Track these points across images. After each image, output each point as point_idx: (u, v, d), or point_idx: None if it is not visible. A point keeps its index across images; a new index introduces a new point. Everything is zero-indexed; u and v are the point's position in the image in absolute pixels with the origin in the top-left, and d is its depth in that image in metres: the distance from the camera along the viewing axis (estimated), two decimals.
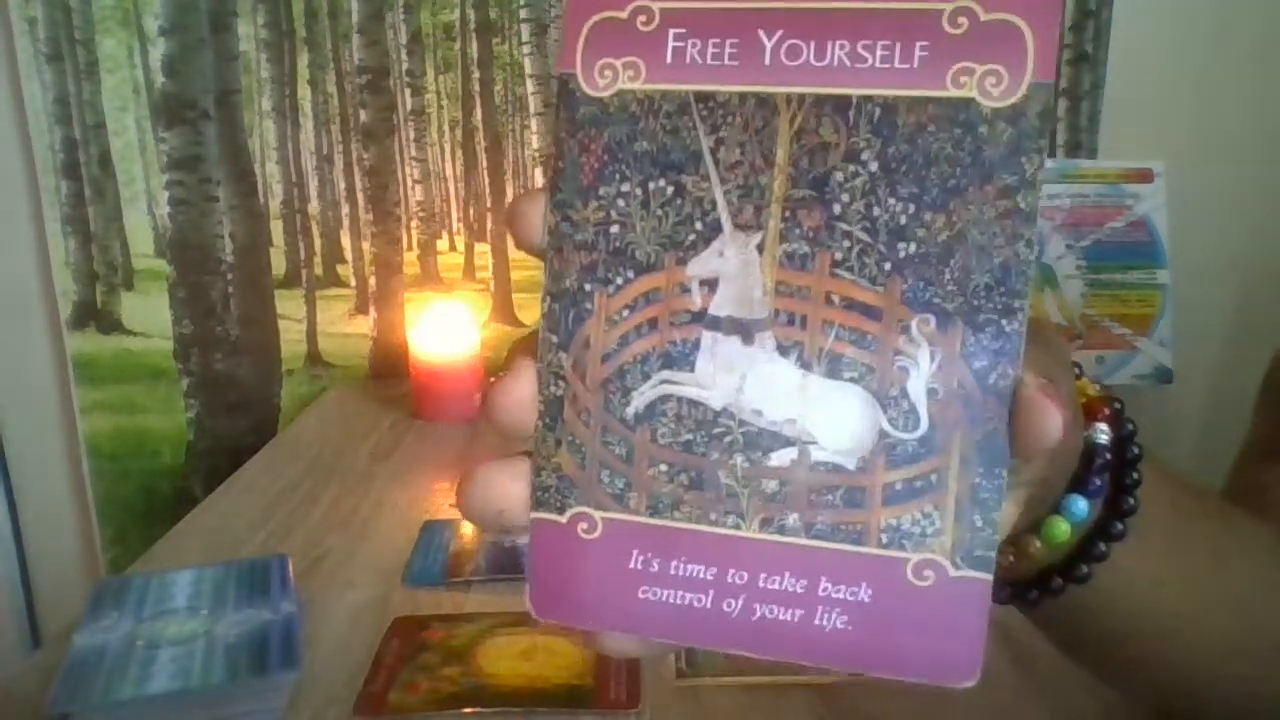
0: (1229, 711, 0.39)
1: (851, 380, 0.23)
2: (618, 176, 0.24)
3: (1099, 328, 1.04)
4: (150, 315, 1.19)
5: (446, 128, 1.17)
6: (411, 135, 1.17)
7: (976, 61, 0.22)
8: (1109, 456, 0.31)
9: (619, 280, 0.24)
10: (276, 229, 1.19)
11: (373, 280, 1.20)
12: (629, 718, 0.52)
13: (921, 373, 0.23)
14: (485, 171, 1.18)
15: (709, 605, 0.24)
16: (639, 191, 0.24)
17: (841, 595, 0.23)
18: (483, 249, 1.20)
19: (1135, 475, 0.32)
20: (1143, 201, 1.05)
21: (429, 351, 1.04)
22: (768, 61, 0.23)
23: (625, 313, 0.24)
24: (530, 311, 1.21)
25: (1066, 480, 0.31)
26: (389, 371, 1.20)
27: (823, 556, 0.23)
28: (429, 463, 0.91)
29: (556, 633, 0.60)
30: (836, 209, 0.23)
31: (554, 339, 0.25)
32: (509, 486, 0.25)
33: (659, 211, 0.24)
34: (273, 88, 1.15)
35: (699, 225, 0.24)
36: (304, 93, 1.15)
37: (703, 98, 0.24)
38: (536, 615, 0.25)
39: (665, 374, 0.24)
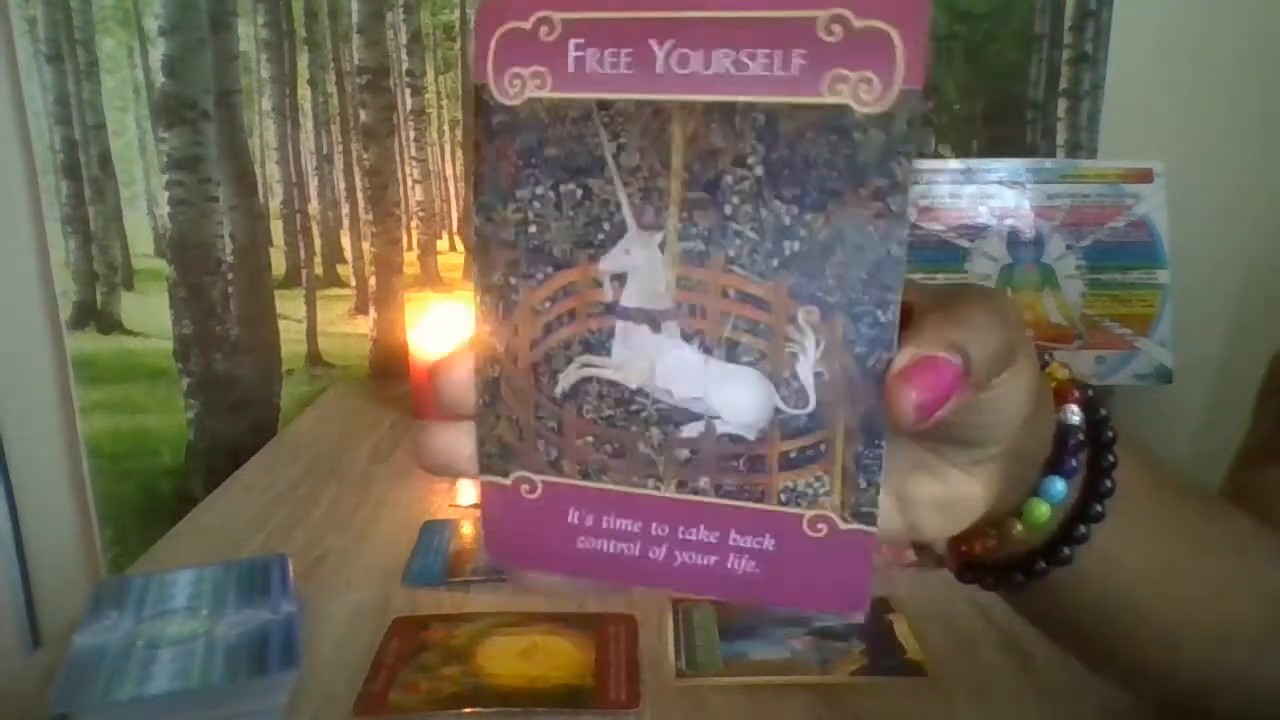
0: (1212, 697, 0.39)
1: (748, 364, 0.26)
2: (532, 180, 0.26)
3: (1099, 328, 1.04)
4: (150, 315, 1.19)
5: (446, 128, 1.17)
6: (411, 135, 1.17)
7: (850, 69, 0.23)
8: (1081, 437, 0.32)
9: (539, 275, 0.27)
10: (276, 229, 1.19)
11: (373, 280, 1.20)
12: (629, 718, 0.52)
13: (809, 357, 0.25)
14: None
15: (637, 553, 0.27)
16: (552, 194, 0.26)
17: (749, 544, 0.27)
18: None
19: (1110, 458, 0.33)
20: (1143, 201, 1.05)
21: (429, 351, 1.04)
22: (660, 70, 0.25)
23: (547, 304, 0.27)
24: None
25: (1040, 464, 0.32)
26: (389, 371, 1.20)
27: (731, 513, 0.27)
28: None
29: (557, 633, 0.60)
30: (728, 210, 0.25)
31: (487, 328, 0.27)
32: (459, 442, 0.28)
33: (570, 212, 0.26)
34: (273, 88, 1.15)
35: (606, 225, 0.26)
36: (304, 93, 1.15)
37: (604, 105, 0.25)
38: (493, 560, 0.29)
39: (586, 358, 0.27)
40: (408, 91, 1.16)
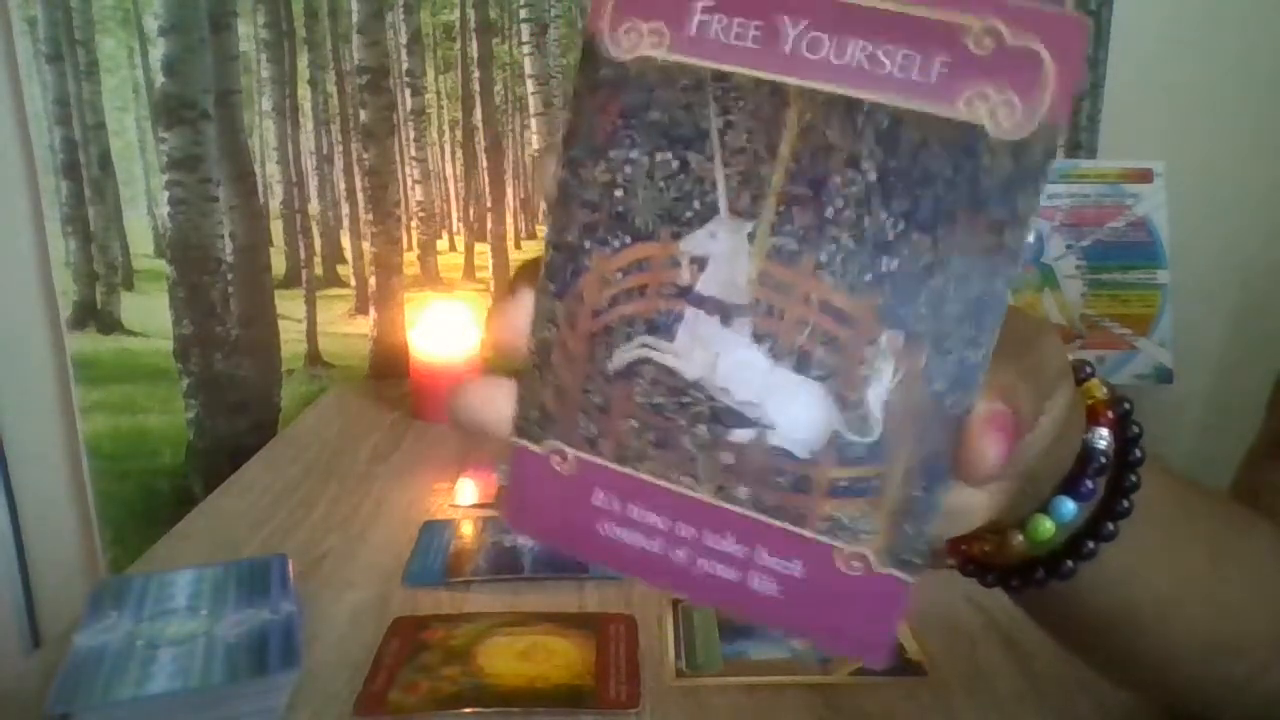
0: (1217, 708, 0.39)
1: (816, 378, 0.24)
2: (628, 142, 0.25)
3: (1099, 328, 1.04)
4: (150, 315, 1.19)
5: (446, 128, 1.17)
6: (411, 135, 1.17)
7: (994, 88, 0.22)
8: (1104, 461, 0.31)
9: (616, 243, 0.25)
10: (276, 229, 1.19)
11: (373, 280, 1.20)
12: (629, 718, 0.52)
13: (882, 384, 0.23)
14: (485, 171, 1.18)
15: (658, 550, 0.26)
16: (645, 160, 0.24)
17: (776, 566, 0.25)
18: (483, 249, 1.20)
19: (1134, 479, 0.32)
20: (1143, 201, 1.05)
21: (429, 351, 1.04)
22: (788, 50, 0.23)
23: (618, 275, 0.25)
24: None
25: (1058, 481, 0.31)
26: (389, 371, 1.20)
27: (764, 529, 0.25)
28: (429, 463, 0.91)
29: (557, 633, 0.60)
30: (829, 212, 0.23)
31: (552, 286, 0.26)
32: (493, 402, 0.27)
33: (661, 183, 0.24)
34: (273, 88, 1.15)
35: (697, 204, 0.24)
36: (304, 93, 1.15)
37: (719, 77, 0.24)
38: (511, 526, 0.28)
39: (647, 339, 0.25)
40: (408, 91, 1.16)
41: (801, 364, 0.24)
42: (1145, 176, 1.05)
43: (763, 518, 0.25)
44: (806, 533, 0.24)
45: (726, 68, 0.23)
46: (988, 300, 0.22)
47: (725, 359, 0.24)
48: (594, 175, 0.25)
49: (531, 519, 0.28)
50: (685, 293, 0.24)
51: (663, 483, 0.26)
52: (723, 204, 0.24)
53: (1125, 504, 0.32)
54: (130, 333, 1.19)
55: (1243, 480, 0.47)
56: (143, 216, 1.17)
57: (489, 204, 1.19)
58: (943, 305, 0.22)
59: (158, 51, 1.12)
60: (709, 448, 0.25)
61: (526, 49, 1.14)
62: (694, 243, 0.24)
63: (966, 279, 0.22)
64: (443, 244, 1.20)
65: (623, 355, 0.25)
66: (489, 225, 1.20)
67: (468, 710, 0.52)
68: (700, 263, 0.24)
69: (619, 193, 0.25)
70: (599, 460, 0.26)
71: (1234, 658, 0.36)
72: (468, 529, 0.75)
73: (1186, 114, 1.14)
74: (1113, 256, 1.04)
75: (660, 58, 0.24)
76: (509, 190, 1.19)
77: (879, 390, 0.23)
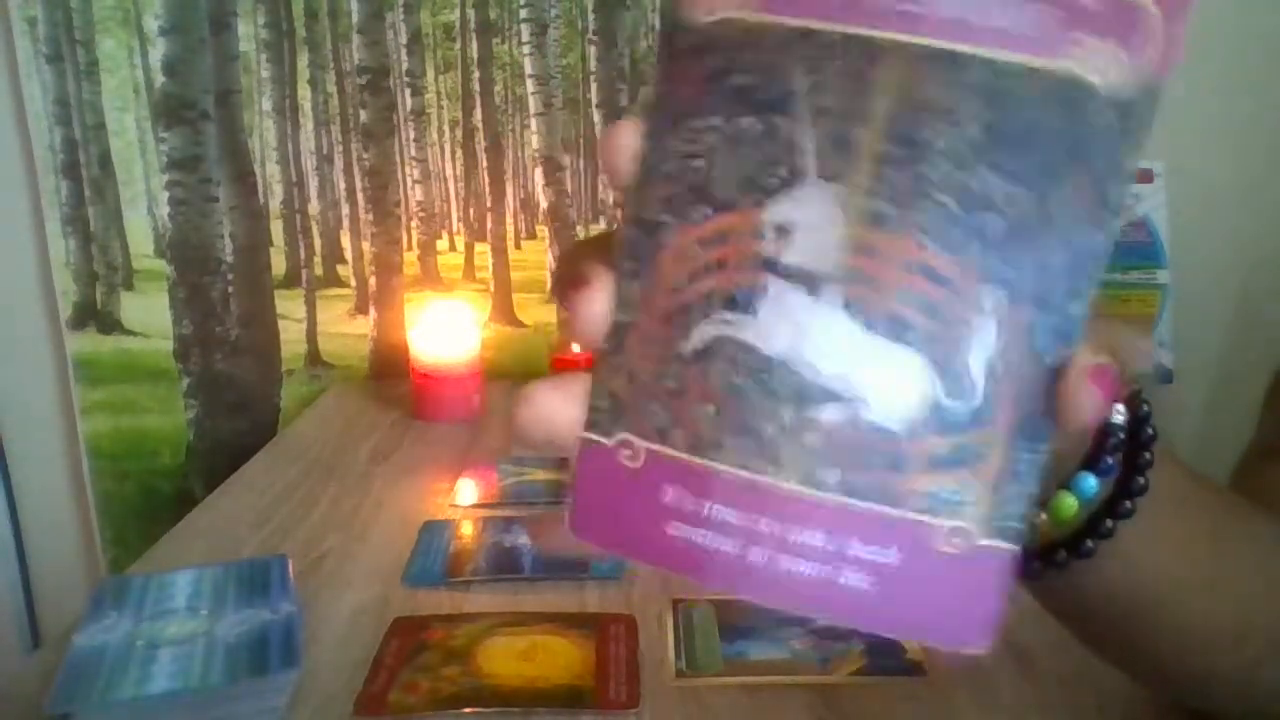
0: (1228, 696, 0.39)
1: (913, 345, 0.22)
2: (709, 109, 0.23)
3: None
4: (150, 315, 1.19)
5: (446, 128, 1.17)
6: (411, 135, 1.17)
7: (1100, 39, 0.21)
8: (1122, 436, 0.31)
9: (696, 215, 0.23)
10: (276, 229, 1.19)
11: (373, 280, 1.20)
12: (629, 718, 0.52)
13: (985, 345, 0.22)
14: (485, 171, 1.18)
15: (734, 550, 0.23)
16: (728, 127, 0.23)
17: (869, 555, 0.23)
18: (483, 249, 1.20)
19: (1148, 456, 0.32)
20: (1143, 201, 1.05)
21: (429, 352, 1.04)
22: (881, 4, 0.22)
23: (699, 248, 0.23)
24: (530, 312, 1.21)
25: (1079, 458, 0.31)
26: (389, 371, 1.20)
27: (856, 516, 0.23)
28: (429, 463, 0.91)
29: (557, 633, 0.60)
30: (927, 171, 0.22)
31: (628, 265, 0.24)
32: (562, 408, 0.25)
33: (745, 150, 0.23)
34: (273, 88, 1.15)
35: (783, 170, 0.23)
36: (304, 93, 1.15)
37: (807, 36, 0.22)
38: (574, 534, 0.25)
39: (727, 314, 0.23)
40: (408, 91, 1.16)
41: (897, 331, 0.22)
42: (1145, 176, 1.05)
43: (854, 502, 0.23)
44: (903, 513, 0.23)
45: (816, 25, 0.22)
46: (1091, 254, 0.22)
47: (813, 332, 0.23)
48: (675, 146, 0.24)
49: (598, 526, 0.25)
50: (769, 263, 0.23)
51: (742, 472, 0.23)
52: (811, 167, 0.22)
53: (1141, 481, 0.32)
54: (130, 333, 1.19)
55: (1238, 483, 0.47)
56: (143, 216, 1.17)
57: (489, 204, 1.19)
58: (1048, 260, 0.22)
59: (158, 51, 1.12)
60: (794, 431, 0.23)
61: (526, 49, 1.14)
62: (779, 210, 0.23)
63: (1070, 234, 0.22)
64: (443, 244, 1.20)
65: (701, 334, 0.23)
66: (489, 225, 1.20)
67: (468, 710, 0.52)
68: (785, 231, 0.23)
69: (699, 162, 0.23)
70: (670, 450, 0.24)
71: (1241, 647, 0.37)
72: (468, 529, 0.75)
73: (1186, 114, 1.14)
74: (1113, 256, 1.04)
75: (744, 18, 0.23)
76: (509, 190, 1.19)
77: (981, 352, 0.22)
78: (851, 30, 0.22)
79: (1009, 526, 0.23)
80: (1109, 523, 0.32)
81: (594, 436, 0.25)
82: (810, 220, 0.23)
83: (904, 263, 0.22)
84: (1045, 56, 0.21)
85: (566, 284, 0.25)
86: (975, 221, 0.22)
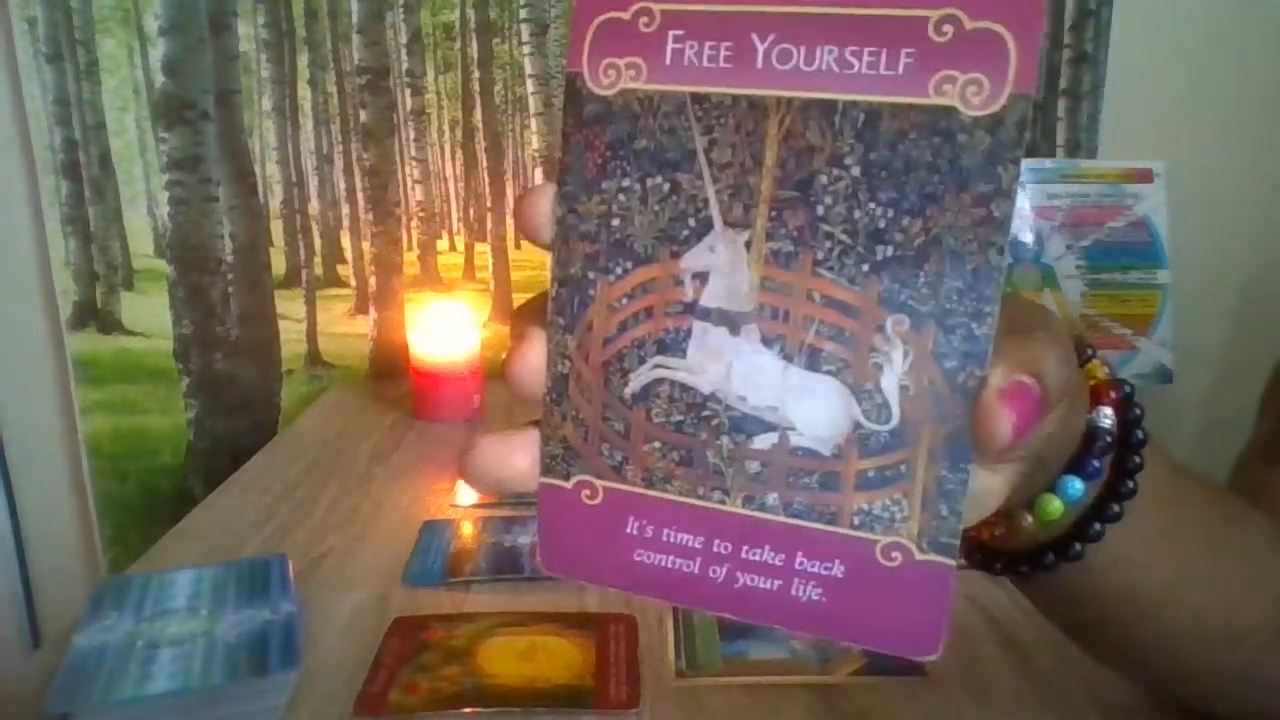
0: (1225, 694, 0.39)
1: (829, 373, 0.24)
2: (619, 172, 0.26)
3: (1099, 328, 1.04)
4: (150, 315, 1.19)
5: (446, 128, 1.17)
6: (411, 135, 1.17)
7: (959, 70, 0.23)
8: (1109, 440, 0.31)
9: (619, 270, 0.26)
10: (276, 229, 1.19)
11: (373, 280, 1.20)
12: (629, 718, 0.52)
13: (895, 369, 0.24)
14: (485, 171, 1.18)
15: (696, 570, 0.26)
16: (638, 187, 0.25)
17: (816, 570, 0.25)
18: (483, 249, 1.20)
19: (1137, 460, 0.32)
20: (1143, 201, 1.05)
21: (429, 351, 1.04)
22: (760, 65, 0.24)
23: (624, 301, 0.26)
24: None
25: (1065, 460, 0.31)
26: (389, 371, 1.20)
27: (800, 533, 0.25)
28: (429, 463, 0.91)
29: (557, 633, 0.60)
30: (820, 210, 0.24)
31: (561, 321, 0.26)
32: (508, 459, 0.27)
33: (656, 207, 0.25)
34: (273, 88, 1.15)
35: (692, 221, 0.25)
36: (304, 93, 1.15)
37: (699, 99, 0.25)
38: (545, 569, 0.28)
39: (660, 359, 0.26)
40: (408, 91, 1.16)
41: (813, 361, 0.24)
42: (1145, 176, 1.05)
43: (796, 522, 0.25)
44: (842, 530, 0.24)
45: (705, 89, 0.25)
46: (984, 272, 0.23)
47: (738, 367, 0.25)
48: (590, 208, 0.26)
49: (566, 559, 0.27)
50: (690, 308, 0.25)
51: (692, 501, 0.26)
52: (717, 218, 0.25)
53: (1130, 485, 0.32)
54: (130, 333, 1.19)
55: (1236, 483, 0.47)
56: (143, 216, 1.17)
57: (489, 204, 1.19)
58: (942, 283, 0.23)
59: (158, 51, 1.12)
60: (734, 458, 0.25)
61: (526, 49, 1.14)
62: (694, 259, 0.25)
63: (960, 255, 0.23)
64: (443, 244, 1.20)
65: (638, 378, 0.26)
66: (489, 225, 1.20)
67: (468, 710, 0.52)
68: (702, 277, 0.25)
69: (615, 221, 0.26)
70: (626, 487, 0.26)
71: (1233, 646, 0.36)
72: (468, 529, 0.75)
73: (1186, 114, 1.14)
74: (1113, 256, 1.04)
75: (641, 89, 0.25)
76: (509, 190, 1.19)
77: (892, 376, 0.24)
78: (739, 91, 0.24)
79: (944, 542, 0.24)
80: (1097, 526, 0.32)
81: (553, 481, 0.27)
82: (722, 265, 0.25)
83: (809, 296, 0.24)
84: (910, 92, 0.23)
85: (510, 341, 0.27)
86: (868, 252, 0.24)
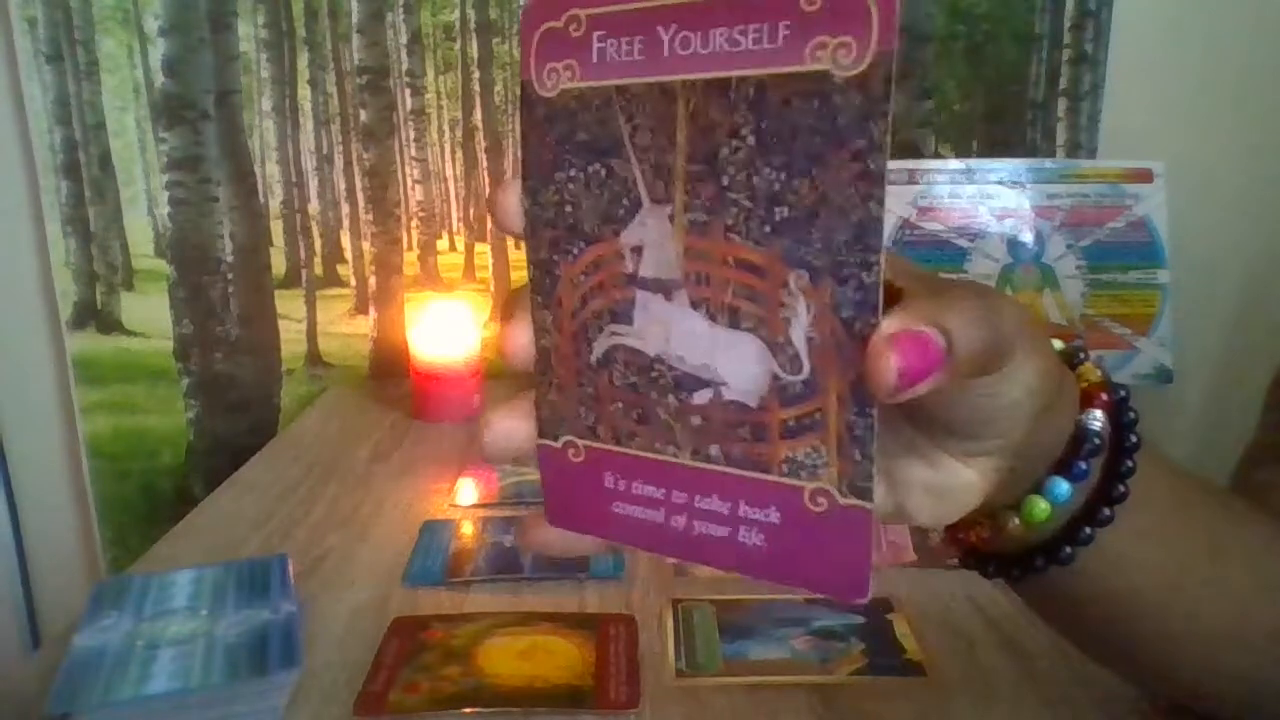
0: (1227, 697, 0.39)
1: (748, 330, 0.26)
2: (566, 164, 0.28)
3: (1099, 328, 1.04)
4: (150, 315, 1.19)
5: (446, 128, 1.17)
6: (411, 135, 1.17)
7: (830, 35, 0.24)
8: (1099, 442, 0.31)
9: (575, 250, 0.29)
10: (276, 229, 1.19)
11: (373, 280, 1.20)
12: (629, 718, 0.52)
13: (801, 322, 0.26)
14: (485, 171, 1.18)
15: (661, 520, 0.29)
16: (582, 175, 0.28)
17: (758, 516, 0.27)
18: (483, 249, 1.21)
19: (1130, 463, 0.32)
20: (1143, 201, 1.05)
21: (429, 352, 1.04)
22: (667, 53, 0.26)
23: (582, 277, 0.29)
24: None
25: (1051, 461, 0.31)
26: (389, 371, 1.20)
27: (740, 482, 0.27)
28: (429, 463, 0.91)
29: (557, 633, 0.60)
30: (725, 180, 0.26)
31: (539, 299, 0.30)
32: (518, 426, 0.30)
33: (597, 191, 0.28)
34: (273, 88, 1.15)
35: (626, 201, 0.28)
36: (304, 93, 1.15)
37: (621, 90, 0.27)
38: (551, 524, 0.31)
39: (614, 327, 0.29)
40: (408, 91, 1.16)
41: (734, 320, 0.27)
42: (1145, 176, 1.05)
43: (736, 471, 0.27)
44: (774, 478, 0.27)
45: (625, 81, 0.27)
46: (868, 223, 0.24)
47: (674, 330, 0.28)
48: (549, 197, 0.29)
49: (564, 513, 0.31)
50: (632, 279, 0.28)
51: (651, 455, 0.29)
52: (644, 196, 0.27)
53: (1121, 489, 0.32)
54: (130, 333, 1.19)
55: (1238, 482, 0.47)
56: (143, 216, 1.17)
57: None
58: (832, 238, 0.25)
59: (158, 51, 1.12)
60: (680, 415, 0.28)
61: None
62: (630, 235, 0.28)
63: (845, 209, 0.24)
64: (443, 244, 1.20)
65: (599, 346, 0.29)
66: (489, 225, 1.20)
67: (468, 710, 0.52)
68: (638, 251, 0.28)
69: (569, 208, 0.29)
70: (601, 445, 0.29)
71: (1235, 648, 0.36)
72: (468, 529, 0.75)
73: (1186, 114, 1.14)
74: (1113, 256, 1.04)
75: (576, 87, 0.28)
76: None
77: (799, 328, 0.26)
78: (652, 79, 0.27)
79: (861, 486, 0.25)
80: (1087, 529, 0.32)
81: (546, 442, 0.31)
82: (652, 238, 0.27)
83: (724, 260, 0.26)
84: (790, 63, 0.25)
85: (499, 323, 0.30)
86: (769, 214, 0.26)
